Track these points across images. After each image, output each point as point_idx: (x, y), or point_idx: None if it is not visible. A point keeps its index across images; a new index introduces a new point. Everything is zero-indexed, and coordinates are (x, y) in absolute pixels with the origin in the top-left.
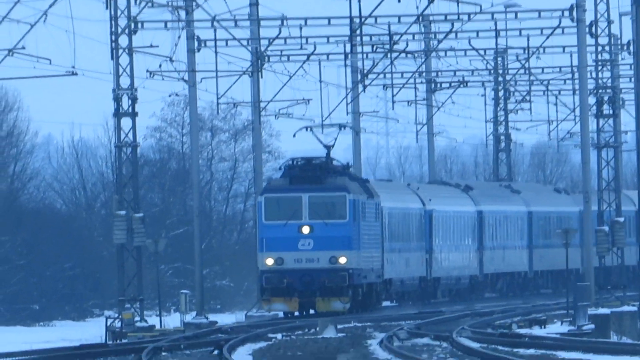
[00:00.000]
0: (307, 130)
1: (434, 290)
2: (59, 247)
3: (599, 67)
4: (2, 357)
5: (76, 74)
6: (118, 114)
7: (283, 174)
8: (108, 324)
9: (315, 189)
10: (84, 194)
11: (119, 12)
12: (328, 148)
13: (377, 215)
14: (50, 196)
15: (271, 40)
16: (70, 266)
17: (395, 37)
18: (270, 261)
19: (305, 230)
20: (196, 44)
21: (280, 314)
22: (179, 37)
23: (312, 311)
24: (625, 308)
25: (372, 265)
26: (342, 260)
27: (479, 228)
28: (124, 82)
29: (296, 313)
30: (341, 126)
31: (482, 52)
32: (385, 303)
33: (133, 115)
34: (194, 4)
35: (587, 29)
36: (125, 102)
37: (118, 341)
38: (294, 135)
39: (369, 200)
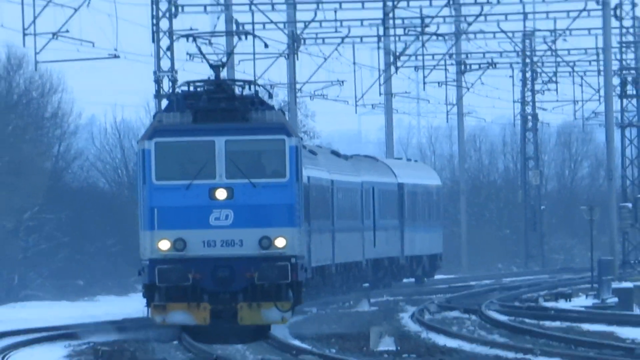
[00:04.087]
0: (187, 40)
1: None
2: (102, 224)
3: (623, 49)
4: (50, 330)
5: (118, 56)
6: (159, 96)
7: (176, 105)
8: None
9: (235, 129)
10: (126, 173)
11: None
12: (216, 68)
13: None
14: (93, 175)
15: (307, 23)
16: (113, 243)
17: (427, 20)
18: (165, 245)
19: (221, 195)
20: (234, 27)
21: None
22: (218, 19)
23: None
24: None
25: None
26: (280, 242)
27: (332, 202)
28: (165, 64)
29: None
30: (239, 33)
31: (510, 34)
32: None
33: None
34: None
35: (612, 12)
36: (166, 84)
37: None
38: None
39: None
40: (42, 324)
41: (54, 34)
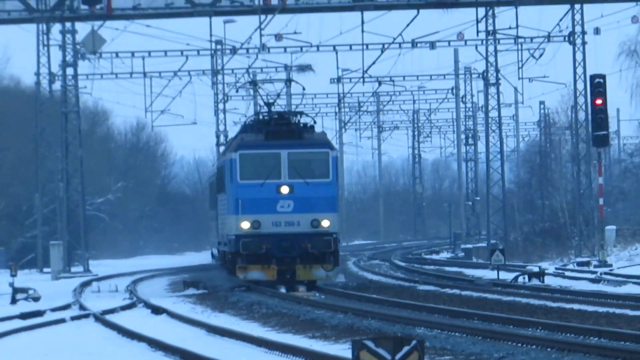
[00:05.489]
0: (250, 84)
1: None
2: (188, 213)
3: (467, 119)
4: (156, 271)
5: (196, 123)
6: (218, 144)
7: (251, 128)
8: (213, 253)
9: (294, 145)
10: (201, 186)
11: (218, 91)
12: (269, 105)
13: None
14: (183, 187)
15: (297, 105)
16: (194, 223)
17: (362, 103)
18: (246, 225)
19: (285, 190)
20: (258, 107)
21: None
22: (250, 103)
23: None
24: (481, 244)
25: None
26: (325, 223)
27: None
28: (221, 127)
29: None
30: (285, 81)
31: (406, 111)
32: None
33: (225, 145)
34: (257, 86)
35: (461, 99)
36: (222, 138)
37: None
38: (237, 91)
39: None
40: (154, 267)
41: (162, 111)
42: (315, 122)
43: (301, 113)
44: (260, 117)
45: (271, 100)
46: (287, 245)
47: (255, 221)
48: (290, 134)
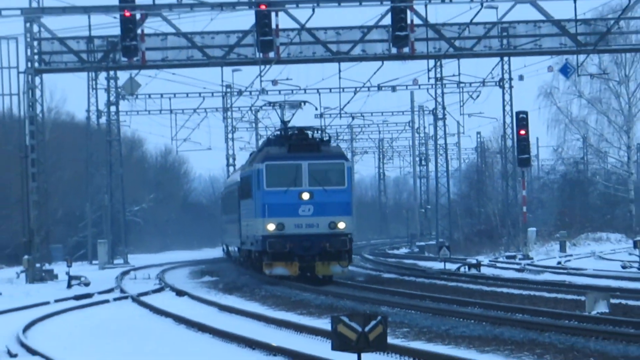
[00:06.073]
0: (269, 105)
1: None
2: (205, 218)
3: (420, 145)
4: (179, 263)
5: (211, 149)
6: (228, 165)
7: (275, 142)
8: (224, 249)
9: (314, 156)
10: (214, 197)
11: (228, 124)
12: (285, 123)
13: None
14: (200, 198)
15: None
16: (209, 226)
17: (339, 134)
18: (271, 226)
19: (305, 196)
20: (260, 136)
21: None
22: (253, 134)
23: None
24: (431, 242)
25: None
26: (341, 225)
27: None
28: (230, 152)
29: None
30: (300, 103)
31: (374, 139)
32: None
33: (234, 166)
34: (258, 119)
35: (416, 131)
36: (230, 160)
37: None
38: (255, 113)
39: None
40: (178, 260)
41: (184, 139)
42: (330, 137)
43: (318, 129)
44: (283, 132)
45: (287, 119)
46: (307, 244)
47: (279, 223)
48: (309, 147)
